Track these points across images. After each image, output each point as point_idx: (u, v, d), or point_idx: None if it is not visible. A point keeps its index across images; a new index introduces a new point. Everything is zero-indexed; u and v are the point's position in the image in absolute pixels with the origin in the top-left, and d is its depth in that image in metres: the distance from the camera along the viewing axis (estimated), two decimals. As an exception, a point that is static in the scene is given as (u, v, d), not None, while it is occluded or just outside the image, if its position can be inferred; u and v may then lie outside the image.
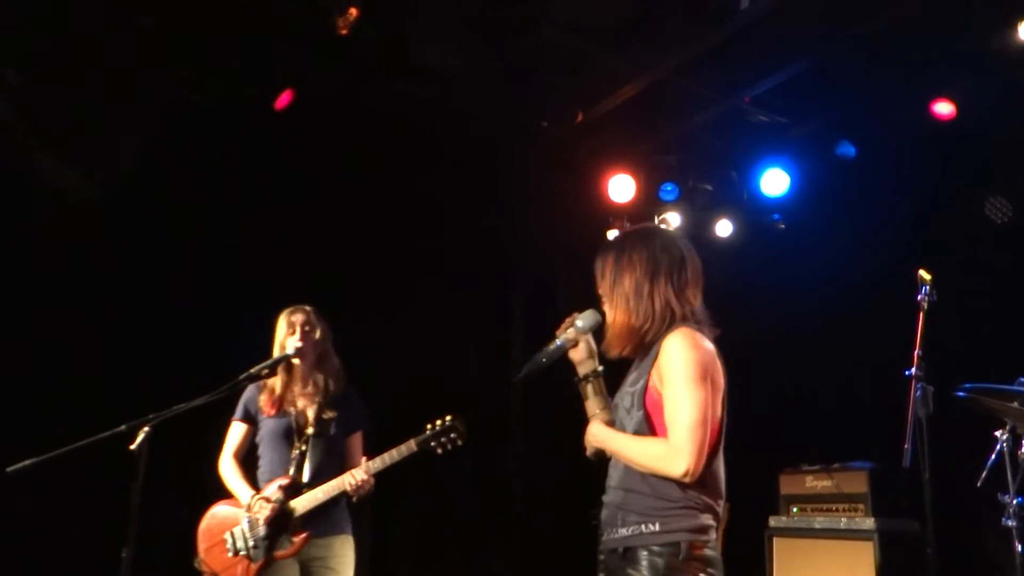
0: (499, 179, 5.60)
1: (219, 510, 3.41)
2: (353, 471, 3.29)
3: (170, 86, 4.38)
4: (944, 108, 4.75)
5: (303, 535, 3.26)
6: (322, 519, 3.32)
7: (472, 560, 5.53)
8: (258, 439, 3.48)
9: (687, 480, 2.14)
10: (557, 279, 6.27)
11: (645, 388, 2.24)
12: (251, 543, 3.26)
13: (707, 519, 2.19)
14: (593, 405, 2.46)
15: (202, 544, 3.35)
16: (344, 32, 4.05)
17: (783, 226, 5.74)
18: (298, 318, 3.47)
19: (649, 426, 2.22)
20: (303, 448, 3.38)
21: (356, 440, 3.55)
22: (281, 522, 3.25)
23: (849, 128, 5.20)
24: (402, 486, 5.11)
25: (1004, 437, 3.44)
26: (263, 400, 3.47)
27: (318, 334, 3.49)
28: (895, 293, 3.60)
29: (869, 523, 4.38)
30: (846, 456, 4.68)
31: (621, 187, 5.74)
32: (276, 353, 3.43)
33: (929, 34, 4.42)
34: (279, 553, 3.25)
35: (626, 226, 5.96)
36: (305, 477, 3.35)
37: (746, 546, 5.12)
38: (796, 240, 5.41)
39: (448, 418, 3.30)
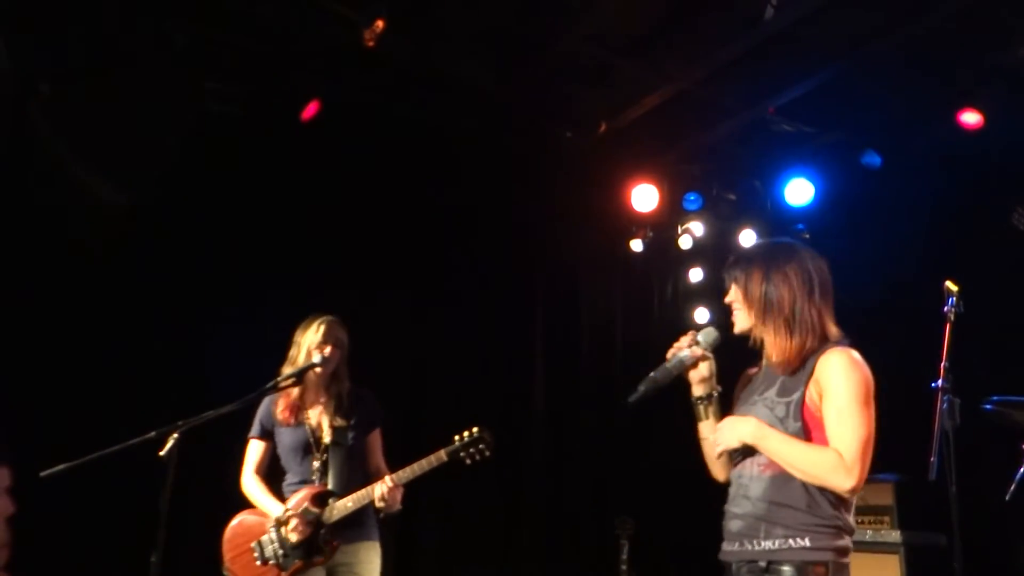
0: (523, 188, 5.62)
1: (245, 518, 3.42)
2: (383, 481, 3.30)
3: (199, 98, 4.44)
4: (971, 117, 4.72)
5: (334, 543, 3.29)
6: (349, 525, 3.35)
7: (498, 563, 5.53)
8: (279, 450, 3.50)
9: (849, 496, 2.20)
10: (580, 287, 6.28)
11: (802, 401, 2.25)
12: (280, 551, 3.28)
13: (849, 541, 2.23)
14: (709, 427, 2.45)
15: (228, 553, 3.37)
16: (371, 44, 4.09)
17: (807, 236, 5.71)
18: (334, 331, 3.48)
19: (806, 439, 2.23)
20: (324, 458, 3.41)
21: (374, 438, 3.59)
22: (312, 531, 3.28)
23: (874, 137, 5.17)
24: (428, 495, 5.12)
25: (1032, 450, 3.40)
26: (280, 408, 3.48)
27: (344, 350, 3.52)
28: (921, 304, 3.57)
29: (895, 536, 4.34)
30: (872, 468, 4.62)
31: (644, 196, 5.74)
32: (301, 357, 3.44)
33: (955, 43, 4.39)
34: (310, 561, 3.27)
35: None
36: (330, 485, 3.38)
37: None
38: (820, 250, 5.34)
39: (475, 429, 3.34)
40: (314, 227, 4.89)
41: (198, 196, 4.47)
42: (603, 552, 5.62)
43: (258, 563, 3.30)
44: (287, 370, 3.42)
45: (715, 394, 2.47)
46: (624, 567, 5.20)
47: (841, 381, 2.21)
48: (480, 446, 3.31)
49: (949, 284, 3.26)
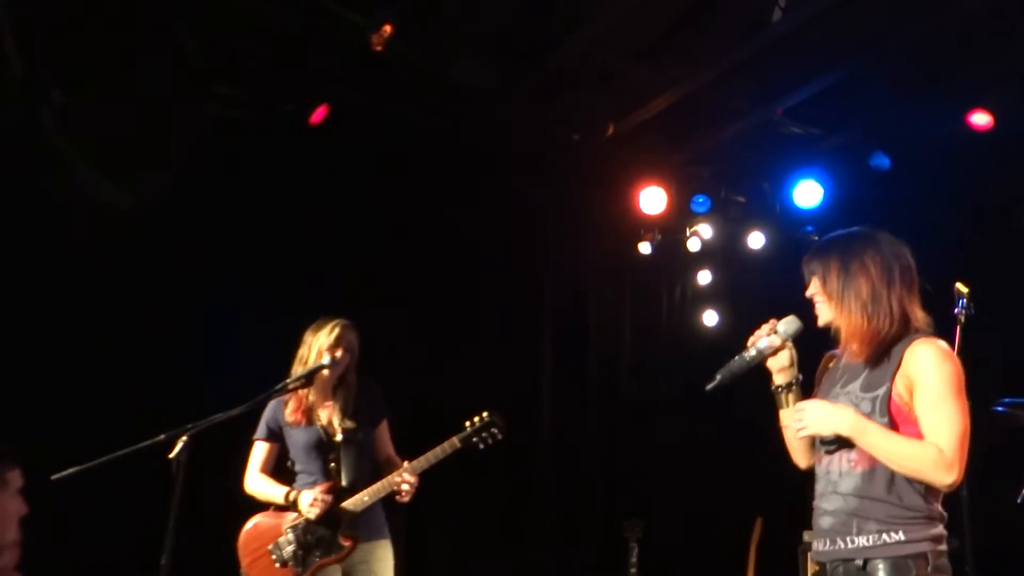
0: (530, 192, 5.62)
1: (260, 521, 3.42)
2: (400, 471, 3.34)
3: (208, 102, 4.46)
4: (981, 118, 4.70)
5: (352, 540, 3.31)
6: (364, 524, 3.37)
7: (506, 566, 5.53)
8: (292, 451, 3.50)
9: (947, 490, 2.18)
10: (588, 290, 6.27)
11: (889, 396, 2.22)
12: (300, 552, 3.28)
13: (943, 529, 2.21)
14: (789, 415, 2.42)
15: (245, 558, 3.36)
16: (379, 48, 4.10)
17: (816, 238, 5.70)
18: (347, 335, 3.48)
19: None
20: (337, 456, 3.43)
21: (382, 430, 3.62)
22: (330, 528, 3.30)
23: (883, 139, 5.15)
24: (436, 491, 5.12)
25: (1044, 452, 3.38)
26: (290, 409, 3.48)
27: (354, 355, 3.53)
28: (931, 306, 3.55)
29: (906, 539, 4.31)
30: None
31: (653, 199, 5.73)
32: (311, 358, 3.45)
33: (965, 44, 4.37)
34: (329, 559, 3.28)
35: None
36: (344, 483, 3.40)
37: (780, 561, 5.08)
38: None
39: (485, 414, 3.41)
40: (320, 230, 4.90)
41: (206, 199, 4.48)
42: (611, 545, 5.62)
43: (277, 565, 3.30)
44: (297, 370, 3.44)
45: (795, 382, 2.44)
46: (633, 570, 5.19)
47: (933, 373, 2.19)
48: (493, 430, 3.37)
49: (959, 286, 3.25)
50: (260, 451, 3.52)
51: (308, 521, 3.30)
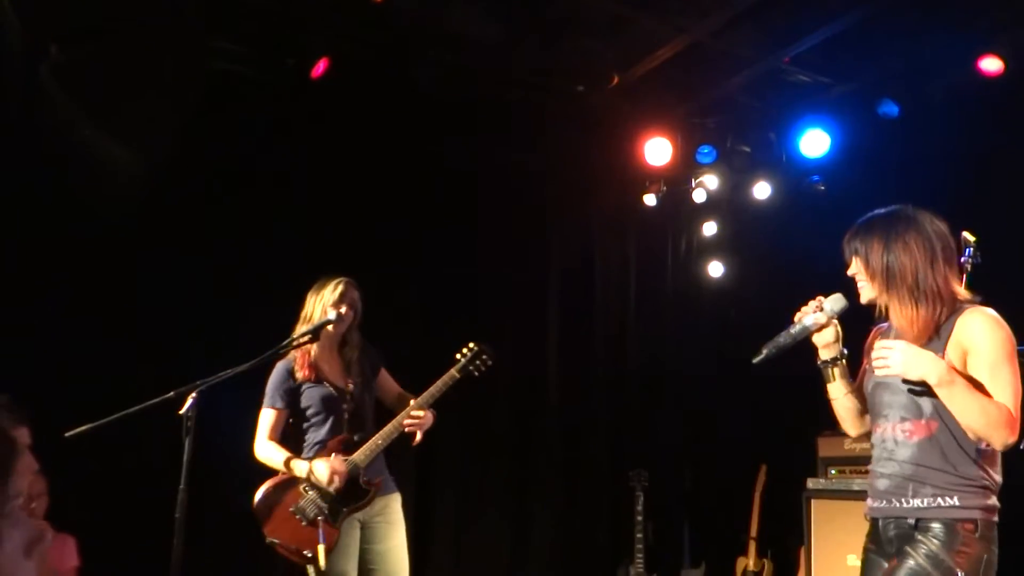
0: (534, 143, 5.58)
1: (274, 486, 3.39)
2: (408, 410, 3.46)
3: (208, 57, 4.41)
4: (992, 64, 4.62)
5: (375, 482, 3.43)
6: (383, 477, 3.51)
7: (513, 516, 5.62)
8: (308, 409, 3.51)
9: (1004, 450, 2.24)
10: (593, 243, 6.26)
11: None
12: (325, 507, 3.31)
13: (996, 500, 2.28)
14: (837, 388, 2.52)
15: (268, 524, 3.33)
16: (379, 1, 4.04)
17: (823, 188, 5.66)
18: (350, 293, 3.53)
19: (946, 410, 2.24)
20: (345, 409, 3.49)
21: (384, 377, 3.73)
22: (351, 478, 3.37)
23: (892, 86, 5.08)
24: (442, 449, 5.19)
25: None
26: (299, 366, 3.49)
27: (357, 312, 3.58)
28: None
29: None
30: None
31: (658, 150, 5.68)
32: (316, 315, 3.48)
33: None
34: (359, 505, 3.39)
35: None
36: (355, 437, 3.49)
37: (784, 508, 5.15)
38: (836, 202, 5.33)
39: (471, 344, 3.59)
40: (321, 187, 4.88)
41: (206, 156, 4.46)
42: (617, 503, 5.69)
43: (304, 524, 3.30)
44: (301, 328, 3.46)
45: (841, 357, 2.51)
46: (639, 518, 5.27)
47: (988, 338, 2.25)
48: (483, 357, 3.53)
49: (966, 234, 3.23)
50: (268, 418, 3.49)
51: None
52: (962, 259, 3.22)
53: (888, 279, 2.34)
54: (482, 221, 5.53)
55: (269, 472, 3.46)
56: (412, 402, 3.51)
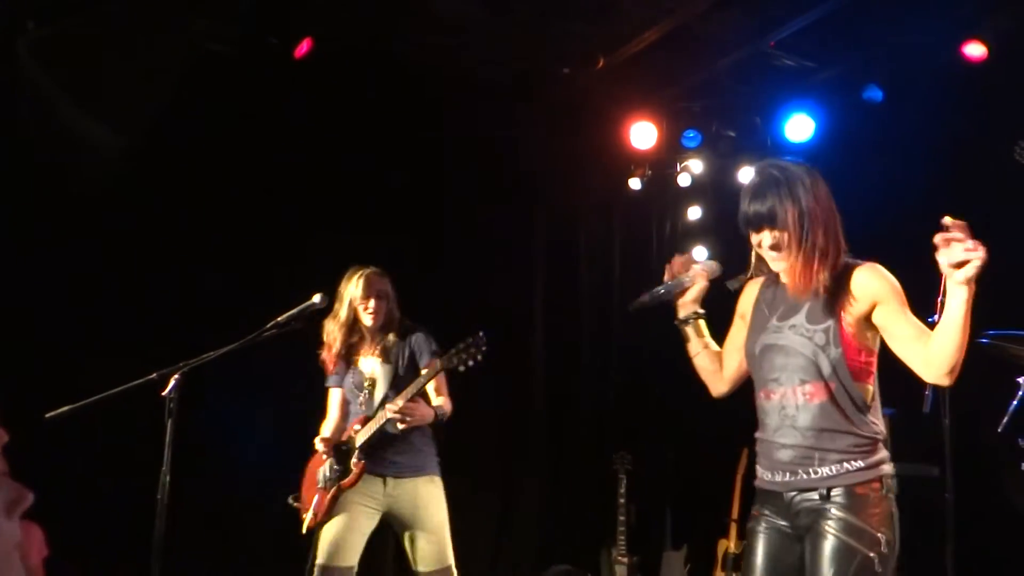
0: (519, 126, 5.56)
1: (316, 457, 3.71)
2: (392, 402, 3.53)
3: (190, 36, 4.36)
4: (975, 50, 4.63)
5: (361, 464, 3.55)
6: (402, 458, 3.59)
7: (497, 497, 5.64)
8: (346, 391, 3.74)
9: (934, 384, 2.29)
10: (578, 225, 6.26)
11: (839, 326, 2.25)
12: (327, 477, 3.61)
13: (886, 450, 2.30)
14: (697, 344, 2.58)
15: (304, 485, 3.71)
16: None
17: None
18: (374, 284, 3.65)
19: (849, 365, 2.24)
20: (366, 395, 3.65)
21: (429, 364, 3.67)
22: (343, 462, 3.58)
23: (876, 71, 5.09)
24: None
25: (1027, 383, 3.43)
26: (328, 363, 3.72)
27: (389, 301, 3.69)
28: (921, 240, 3.56)
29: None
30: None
31: (643, 134, 5.68)
32: (343, 310, 3.63)
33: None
34: (344, 482, 3.55)
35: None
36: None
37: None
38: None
39: (469, 337, 3.54)
40: (309, 166, 4.84)
41: (189, 135, 4.41)
42: (601, 486, 5.72)
43: (319, 486, 3.63)
44: (329, 324, 3.63)
45: (696, 316, 2.57)
46: (622, 500, 5.30)
47: (891, 290, 2.25)
48: (472, 350, 3.45)
49: (948, 219, 3.25)
50: (330, 397, 3.78)
51: (336, 454, 3.60)
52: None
53: (804, 241, 2.24)
54: (469, 202, 5.51)
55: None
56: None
